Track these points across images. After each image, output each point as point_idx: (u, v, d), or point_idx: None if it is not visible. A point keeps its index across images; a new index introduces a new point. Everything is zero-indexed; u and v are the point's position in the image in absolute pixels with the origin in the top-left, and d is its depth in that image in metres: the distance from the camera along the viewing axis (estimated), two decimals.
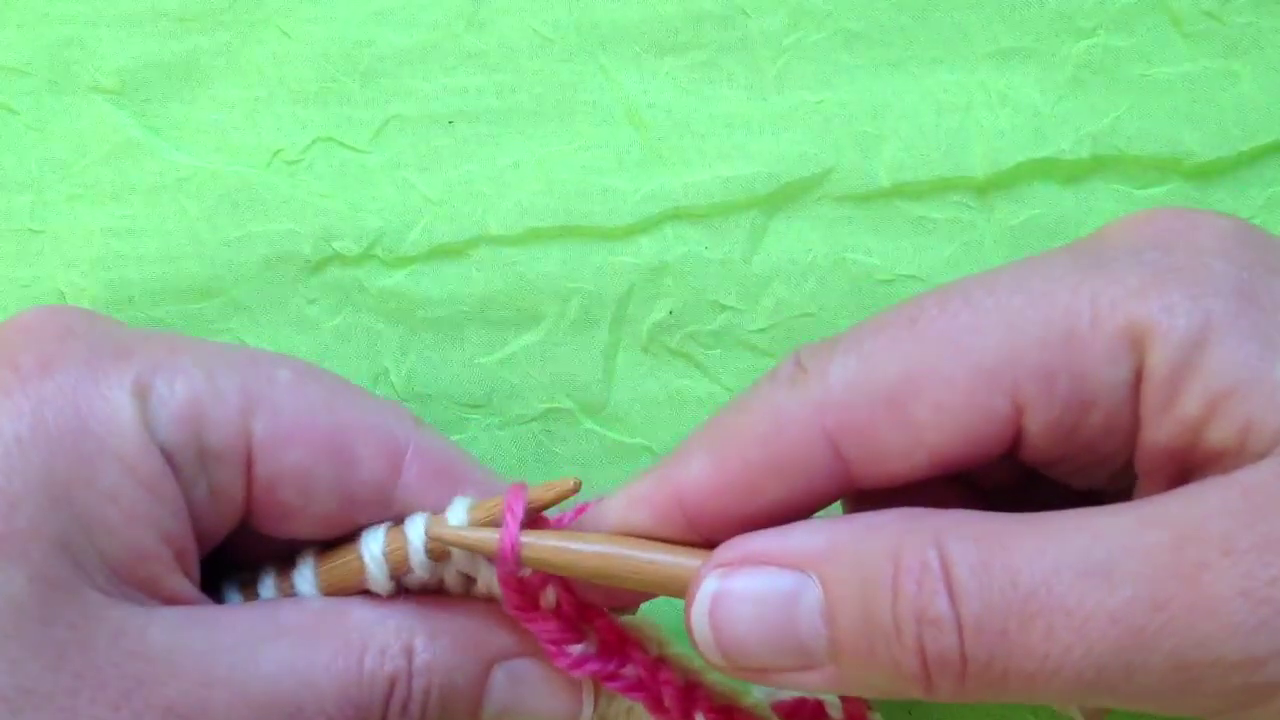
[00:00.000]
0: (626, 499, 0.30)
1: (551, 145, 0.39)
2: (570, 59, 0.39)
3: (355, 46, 0.39)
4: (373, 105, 0.39)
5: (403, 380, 0.39)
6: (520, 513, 0.30)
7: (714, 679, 0.33)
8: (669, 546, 0.30)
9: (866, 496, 0.30)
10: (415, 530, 0.31)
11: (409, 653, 0.31)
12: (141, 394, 0.30)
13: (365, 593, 0.32)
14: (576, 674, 0.32)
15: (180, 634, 0.29)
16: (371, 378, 0.38)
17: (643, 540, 0.30)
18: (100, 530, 0.29)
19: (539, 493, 0.31)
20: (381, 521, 0.32)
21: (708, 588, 0.28)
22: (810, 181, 0.39)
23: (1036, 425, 0.28)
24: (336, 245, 0.38)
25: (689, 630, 0.29)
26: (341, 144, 0.39)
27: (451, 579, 0.32)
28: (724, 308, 0.39)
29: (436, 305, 0.38)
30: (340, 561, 0.32)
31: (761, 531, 0.29)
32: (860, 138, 0.39)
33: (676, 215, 0.39)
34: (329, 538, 0.32)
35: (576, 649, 0.32)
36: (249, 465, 0.31)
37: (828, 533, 0.28)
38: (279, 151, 0.39)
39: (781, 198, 0.39)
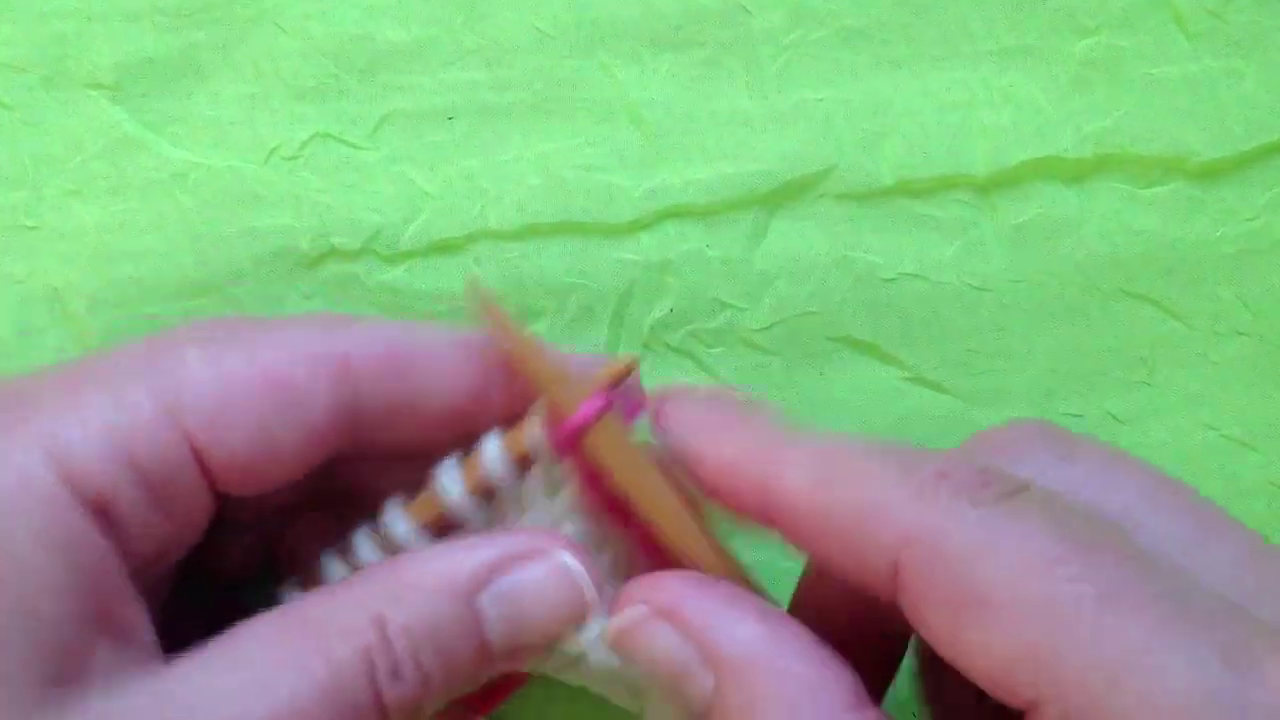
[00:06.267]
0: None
1: (551, 141, 0.38)
2: (570, 55, 0.39)
3: (352, 42, 0.39)
4: (371, 101, 0.38)
5: None
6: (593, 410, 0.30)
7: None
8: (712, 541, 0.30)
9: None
10: (490, 448, 0.31)
11: (379, 622, 0.28)
12: (55, 450, 0.28)
13: (443, 530, 0.31)
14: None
15: (125, 709, 0.27)
16: None
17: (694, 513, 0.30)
18: (29, 612, 0.27)
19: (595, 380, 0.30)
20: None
21: (633, 612, 0.29)
22: (812, 179, 0.39)
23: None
24: (334, 240, 0.38)
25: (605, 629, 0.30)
26: (339, 139, 0.38)
27: (535, 488, 0.31)
28: (725, 305, 0.38)
29: (435, 300, 0.38)
30: (422, 497, 0.32)
31: (712, 595, 0.29)
32: (862, 136, 0.39)
33: (677, 212, 0.38)
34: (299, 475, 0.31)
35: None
36: (200, 457, 0.29)
37: (750, 644, 0.28)
38: (276, 147, 0.38)
39: (783, 195, 0.39)
